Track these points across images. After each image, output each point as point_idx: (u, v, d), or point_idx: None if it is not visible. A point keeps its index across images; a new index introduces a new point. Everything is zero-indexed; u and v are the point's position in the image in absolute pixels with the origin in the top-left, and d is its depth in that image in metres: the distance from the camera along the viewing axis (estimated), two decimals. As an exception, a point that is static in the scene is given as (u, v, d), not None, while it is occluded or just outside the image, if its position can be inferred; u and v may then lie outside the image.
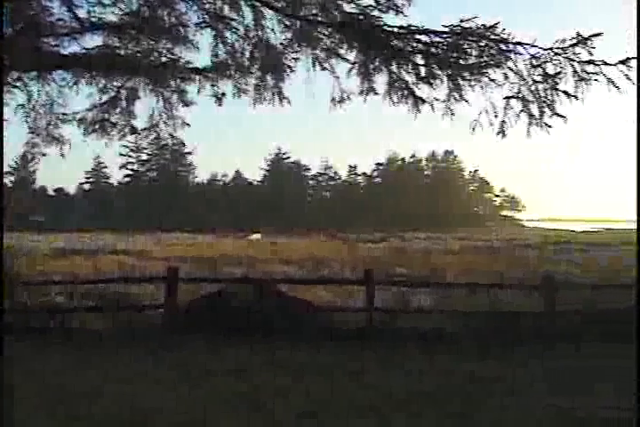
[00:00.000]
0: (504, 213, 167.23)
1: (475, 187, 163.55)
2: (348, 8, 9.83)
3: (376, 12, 9.68)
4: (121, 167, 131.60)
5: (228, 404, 7.96)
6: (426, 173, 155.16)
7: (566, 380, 9.64)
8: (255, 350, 11.31)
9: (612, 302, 14.91)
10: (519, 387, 9.20)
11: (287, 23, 10.09)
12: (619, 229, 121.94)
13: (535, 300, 14.79)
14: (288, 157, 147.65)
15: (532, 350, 11.98)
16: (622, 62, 8.99)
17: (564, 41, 9.18)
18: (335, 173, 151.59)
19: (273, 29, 10.20)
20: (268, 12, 10.04)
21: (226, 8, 10.04)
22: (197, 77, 11.07)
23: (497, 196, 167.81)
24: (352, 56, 10.00)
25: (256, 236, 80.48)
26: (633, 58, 8.93)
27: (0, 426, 6.82)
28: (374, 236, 76.21)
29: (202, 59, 11.03)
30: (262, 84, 10.68)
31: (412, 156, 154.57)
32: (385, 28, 9.73)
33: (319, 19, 9.96)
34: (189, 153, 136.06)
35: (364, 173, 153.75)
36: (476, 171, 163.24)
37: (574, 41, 9.15)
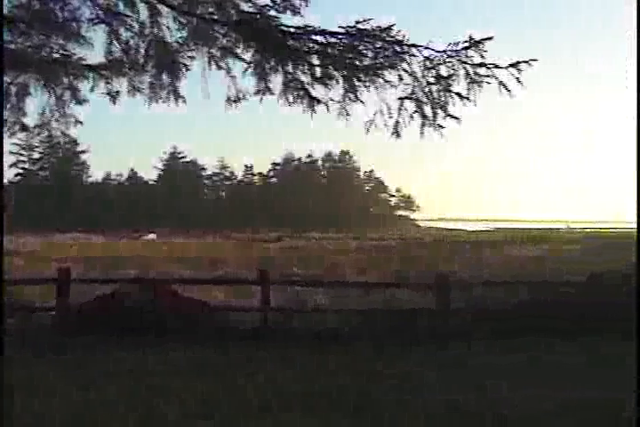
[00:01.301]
0: (399, 212, 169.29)
1: (370, 187, 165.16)
2: (244, 7, 9.79)
3: (273, 12, 9.66)
4: (11, 166, 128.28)
5: (120, 407, 7.81)
6: (322, 173, 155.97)
7: (458, 377, 9.81)
8: (149, 351, 11.14)
9: (502, 299, 15.27)
10: (414, 384, 9.31)
11: (183, 21, 9.97)
12: (509, 228, 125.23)
13: (429, 298, 15.00)
14: (184, 157, 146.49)
15: (426, 348, 12.16)
16: (512, 66, 9.20)
17: (456, 44, 9.32)
18: (231, 172, 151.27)
19: (168, 27, 10.07)
20: (164, 10, 9.91)
21: (120, 4, 9.87)
22: (91, 75, 10.83)
23: (392, 196, 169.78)
24: (248, 56, 9.95)
25: (151, 236, 79.69)
26: (528, 60, 9.18)
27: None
28: (270, 236, 76.32)
29: (95, 56, 10.82)
30: (157, 82, 10.52)
31: (309, 156, 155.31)
32: (281, 28, 9.72)
33: (215, 17, 9.88)
34: (83, 152, 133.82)
35: (260, 173, 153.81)
36: (371, 171, 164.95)
37: (467, 44, 9.31)
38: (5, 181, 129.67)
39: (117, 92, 10.88)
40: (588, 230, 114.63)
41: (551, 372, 10.10)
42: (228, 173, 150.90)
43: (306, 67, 9.79)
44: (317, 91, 9.85)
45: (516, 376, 9.75)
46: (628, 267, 21.93)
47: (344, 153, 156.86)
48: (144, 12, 9.95)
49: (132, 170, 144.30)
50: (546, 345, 12.05)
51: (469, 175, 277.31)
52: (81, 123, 11.66)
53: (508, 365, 10.61)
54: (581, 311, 14.27)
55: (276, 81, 9.92)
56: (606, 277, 17.04)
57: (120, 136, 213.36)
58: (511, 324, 13.65)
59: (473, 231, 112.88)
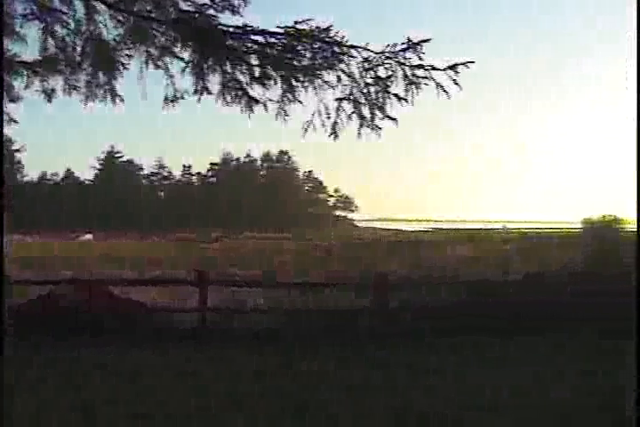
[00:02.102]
0: (338, 213, 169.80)
1: (309, 187, 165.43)
2: (183, 6, 9.72)
3: (212, 11, 9.62)
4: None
5: (57, 410, 7.71)
6: (261, 173, 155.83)
7: (397, 376, 9.88)
8: (84, 352, 11.04)
9: (441, 298, 15.43)
10: (354, 384, 9.36)
11: (120, 19, 9.87)
12: (447, 228, 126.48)
13: (368, 298, 15.08)
14: (121, 156, 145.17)
15: (365, 348, 12.21)
16: (450, 68, 9.28)
17: (395, 45, 9.36)
18: (169, 172, 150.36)
19: (105, 25, 9.95)
20: (101, 7, 9.78)
21: (56, 0, 9.74)
22: (25, 72, 10.67)
23: (331, 196, 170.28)
24: (186, 55, 9.89)
25: (88, 237, 78.83)
26: (465, 62, 9.27)
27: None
28: (208, 236, 75.95)
29: (30, 52, 10.64)
30: (94, 80, 10.39)
31: (247, 156, 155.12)
32: (220, 27, 9.68)
33: (153, 15, 9.80)
34: (18, 151, 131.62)
35: (199, 173, 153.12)
36: (310, 171, 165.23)
37: (405, 46, 9.36)
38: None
39: (53, 90, 10.72)
40: (525, 230, 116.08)
41: (490, 370, 10.23)
42: (166, 173, 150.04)
43: (244, 67, 9.76)
44: (256, 91, 9.82)
45: (456, 375, 9.86)
46: (569, 266, 22.34)
47: (283, 153, 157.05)
48: (80, 10, 9.82)
49: (69, 170, 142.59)
50: (484, 344, 12.20)
51: (407, 176, 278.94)
52: (15, 121, 11.46)
53: (447, 364, 10.72)
54: (519, 310, 14.49)
55: (215, 81, 9.87)
56: (547, 276, 17.35)
57: (56, 135, 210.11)
58: (450, 323, 13.80)
59: (411, 231, 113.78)
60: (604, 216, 46.67)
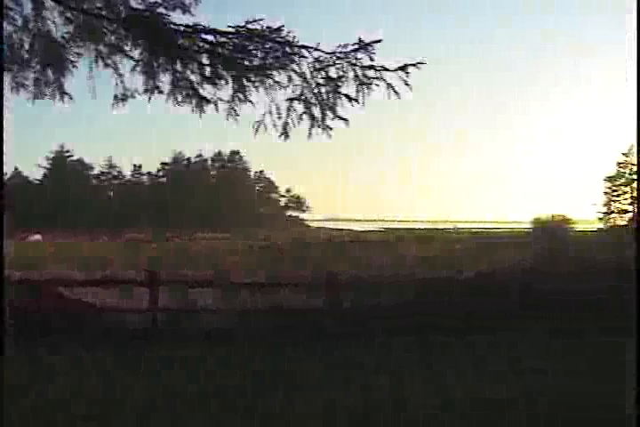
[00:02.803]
0: (289, 213, 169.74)
1: (260, 187, 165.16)
2: (133, 4, 9.65)
3: (162, 10, 9.57)
4: None
5: (7, 409, 7.62)
6: (212, 173, 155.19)
7: (347, 376, 9.91)
8: (34, 353, 10.91)
9: (393, 298, 15.50)
10: (303, 384, 9.38)
11: (69, 16, 9.77)
12: (398, 228, 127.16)
13: (319, 298, 15.11)
14: (71, 156, 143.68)
15: (316, 347, 12.23)
16: (401, 69, 9.33)
17: (346, 46, 9.40)
18: (119, 172, 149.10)
19: (54, 22, 9.85)
20: (50, 4, 9.68)
21: (3, -3, 9.61)
22: (-30, 69, 10.50)
23: (282, 196, 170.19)
24: (137, 53, 9.83)
25: (37, 237, 77.85)
26: (416, 63, 9.34)
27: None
28: (159, 236, 75.47)
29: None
30: (42, 78, 10.27)
31: (198, 156, 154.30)
32: (171, 26, 9.64)
33: (103, 13, 9.72)
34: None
35: (149, 173, 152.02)
36: (261, 171, 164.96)
37: (356, 46, 9.39)
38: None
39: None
40: (475, 230, 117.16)
41: (439, 369, 10.30)
42: (116, 173, 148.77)
43: (195, 66, 9.72)
44: (207, 90, 9.79)
45: (405, 375, 9.91)
46: (519, 265, 22.58)
47: (234, 153, 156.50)
48: (28, 6, 9.70)
49: (16, 169, 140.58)
50: (436, 344, 12.30)
51: (359, 176, 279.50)
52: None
53: (397, 363, 10.78)
54: (471, 309, 14.63)
55: (165, 80, 9.82)
56: (498, 275, 17.54)
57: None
58: (402, 322, 13.86)
59: (363, 231, 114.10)
60: (553, 216, 47.39)
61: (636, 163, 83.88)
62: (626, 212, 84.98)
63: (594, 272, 18.67)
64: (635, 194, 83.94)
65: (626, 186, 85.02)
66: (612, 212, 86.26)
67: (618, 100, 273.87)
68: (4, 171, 8.75)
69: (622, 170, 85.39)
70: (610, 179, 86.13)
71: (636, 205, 79.82)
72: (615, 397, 8.39)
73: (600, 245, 42.76)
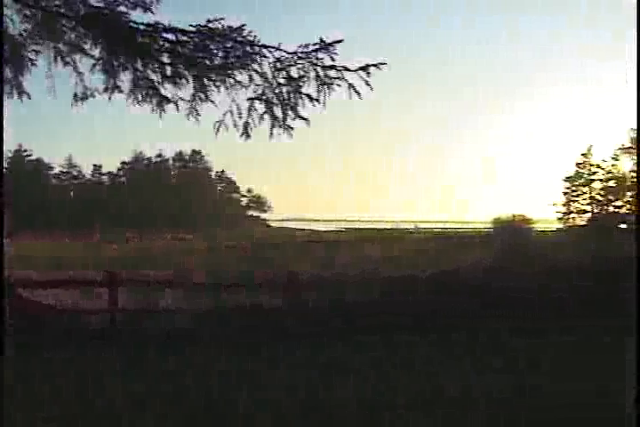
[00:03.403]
0: (251, 213, 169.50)
1: (222, 187, 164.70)
2: (93, 2, 9.56)
3: (123, 8, 9.50)
4: None
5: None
6: (173, 172, 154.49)
7: (308, 376, 9.90)
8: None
9: (354, 297, 15.52)
10: (264, 384, 9.36)
11: (27, 13, 9.66)
12: (360, 228, 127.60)
13: (281, 298, 15.09)
14: (29, 155, 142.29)
15: (277, 347, 12.22)
16: (362, 69, 9.35)
17: (307, 46, 9.39)
18: (79, 172, 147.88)
19: (12, 19, 9.73)
20: (7, 1, 9.56)
21: (-43, -7, 9.47)
22: None
23: (244, 196, 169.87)
24: (97, 52, 9.74)
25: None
26: (377, 63, 9.35)
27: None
28: (119, 236, 75.03)
29: None
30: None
31: (159, 155, 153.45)
32: (131, 24, 9.56)
33: (62, 11, 9.62)
34: None
35: (110, 173, 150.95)
36: (222, 171, 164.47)
37: (317, 46, 9.39)
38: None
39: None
40: (437, 230, 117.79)
41: (403, 368, 10.33)
42: (76, 173, 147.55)
43: (156, 65, 9.65)
44: (167, 90, 9.74)
45: (368, 374, 9.93)
46: (481, 264, 22.72)
47: (195, 153, 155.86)
48: (-17, 4, 9.58)
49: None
50: (399, 343, 12.34)
51: (321, 176, 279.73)
52: None
53: (359, 362, 10.79)
54: (433, 308, 14.69)
55: (126, 79, 9.75)
56: (459, 275, 17.64)
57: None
58: (365, 321, 13.89)
59: (325, 232, 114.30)
60: (513, 216, 47.75)
61: (596, 164, 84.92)
62: (585, 212, 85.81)
63: (554, 271, 18.84)
64: (593, 194, 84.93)
65: (584, 186, 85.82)
66: (572, 212, 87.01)
67: (578, 101, 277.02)
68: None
69: (581, 170, 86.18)
70: (569, 179, 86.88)
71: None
72: (577, 396, 8.48)
73: (560, 245, 43.23)
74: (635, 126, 79.17)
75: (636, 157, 57.02)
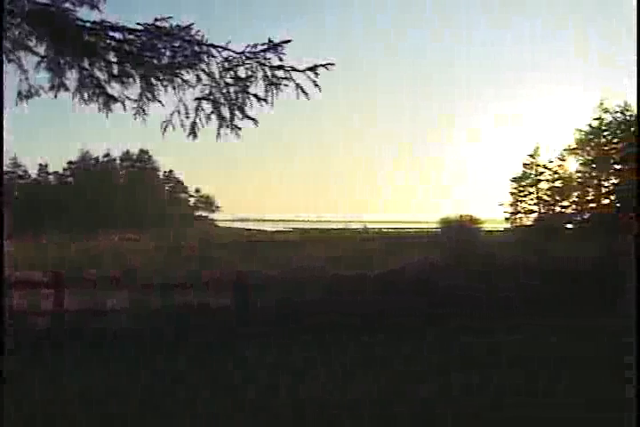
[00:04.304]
0: (199, 213, 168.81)
1: (170, 187, 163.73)
2: (38, -2, 9.47)
3: (69, 5, 9.40)
4: None
5: None
6: (120, 172, 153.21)
7: (257, 376, 9.90)
8: None
9: (302, 297, 15.55)
10: (208, 382, 9.35)
11: (-31, 9, 9.52)
12: (309, 228, 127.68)
13: (229, 298, 15.06)
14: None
15: (215, 347, 12.20)
16: (310, 69, 9.37)
17: (255, 46, 9.39)
18: (25, 171, 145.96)
19: (-48, 16, 9.58)
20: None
21: None
22: None
23: (192, 196, 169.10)
24: (42, 49, 9.63)
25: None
26: (325, 64, 9.37)
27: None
28: (66, 237, 74.18)
29: None
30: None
31: (106, 155, 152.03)
32: (78, 22, 9.47)
33: (7, 6, 9.49)
34: None
35: (56, 173, 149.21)
36: (170, 171, 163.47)
37: (265, 46, 9.40)
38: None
39: None
40: (385, 230, 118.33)
41: (347, 369, 10.35)
42: (21, 172, 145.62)
43: (102, 64, 9.58)
44: (114, 89, 9.66)
45: (311, 374, 9.95)
46: (428, 264, 22.87)
47: (143, 153, 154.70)
48: None
49: None
50: (344, 342, 12.37)
51: (269, 176, 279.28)
52: None
53: (304, 363, 10.81)
54: (381, 308, 14.77)
55: (72, 77, 9.65)
56: (407, 274, 17.75)
57: None
58: (311, 321, 13.91)
59: (273, 232, 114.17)
60: (461, 216, 48.21)
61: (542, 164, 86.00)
62: (532, 212, 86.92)
63: (501, 271, 19.06)
64: (540, 194, 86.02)
65: (531, 186, 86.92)
66: (519, 212, 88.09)
67: (525, 101, 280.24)
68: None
69: (528, 171, 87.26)
70: (516, 180, 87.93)
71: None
72: (522, 395, 8.59)
73: (506, 245, 43.73)
74: (582, 128, 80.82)
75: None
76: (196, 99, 9.52)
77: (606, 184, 77.52)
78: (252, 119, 9.59)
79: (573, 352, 11.56)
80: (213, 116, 9.53)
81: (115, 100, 9.65)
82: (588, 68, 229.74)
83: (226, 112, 9.55)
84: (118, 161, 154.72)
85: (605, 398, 8.43)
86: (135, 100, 9.59)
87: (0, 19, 8.76)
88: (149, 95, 9.56)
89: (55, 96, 9.73)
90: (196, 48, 9.49)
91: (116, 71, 9.56)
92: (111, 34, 9.50)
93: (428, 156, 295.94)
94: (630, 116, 74.56)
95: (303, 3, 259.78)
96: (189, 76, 9.56)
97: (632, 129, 73.12)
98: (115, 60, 9.57)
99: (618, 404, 7.93)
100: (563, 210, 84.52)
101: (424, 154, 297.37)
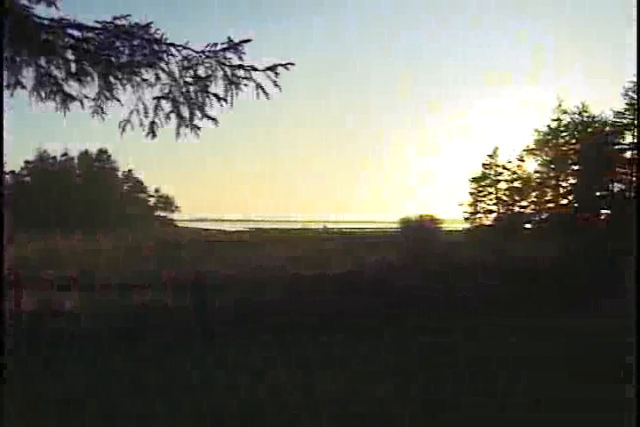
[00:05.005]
0: (158, 213, 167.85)
1: (129, 187, 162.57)
2: (-7, -6, 9.36)
3: (25, 2, 9.31)
4: None
5: None
6: (78, 172, 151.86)
7: (212, 376, 9.87)
8: None
9: (261, 297, 15.54)
10: (165, 383, 9.32)
11: None
12: (268, 228, 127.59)
13: (187, 298, 15.02)
14: None
15: (172, 347, 12.16)
16: (270, 69, 9.37)
17: (215, 45, 9.37)
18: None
19: None
20: None
21: None
22: None
23: (151, 196, 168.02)
24: (-3, 47, 9.52)
25: None
26: (285, 64, 9.37)
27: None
28: (24, 236, 73.41)
29: None
30: None
31: (64, 154, 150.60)
32: (34, 19, 9.38)
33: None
34: None
35: (13, 172, 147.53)
36: (130, 171, 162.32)
37: (225, 45, 9.37)
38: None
39: None
40: (345, 230, 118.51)
41: (305, 369, 10.36)
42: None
43: (60, 62, 9.50)
44: (72, 87, 9.58)
45: (269, 375, 9.94)
46: (388, 264, 22.96)
47: (102, 152, 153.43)
48: None
49: None
50: (303, 342, 12.38)
51: (228, 176, 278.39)
52: None
53: (263, 363, 10.80)
54: (340, 308, 14.80)
55: (29, 75, 9.56)
56: (367, 274, 17.82)
57: None
58: (270, 321, 13.90)
59: (232, 232, 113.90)
60: (420, 216, 48.40)
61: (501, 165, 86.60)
62: (491, 212, 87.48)
63: (460, 270, 19.20)
64: (499, 194, 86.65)
65: (490, 187, 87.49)
66: (478, 212, 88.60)
67: (486, 103, 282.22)
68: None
69: (487, 171, 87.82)
70: (475, 180, 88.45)
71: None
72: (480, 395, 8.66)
73: (466, 245, 44.03)
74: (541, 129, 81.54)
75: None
76: (155, 98, 9.48)
77: (564, 184, 78.22)
78: (212, 119, 9.57)
79: (532, 352, 11.67)
80: (173, 116, 9.49)
81: (72, 98, 9.56)
82: (547, 68, 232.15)
83: (185, 112, 9.52)
84: (76, 160, 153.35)
85: (564, 398, 8.52)
86: (93, 99, 9.52)
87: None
88: (108, 94, 9.49)
89: (11, 94, 9.63)
90: (155, 47, 9.44)
91: (73, 69, 9.47)
92: (69, 32, 9.41)
93: (390, 156, 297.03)
94: (588, 117, 75.44)
95: (265, 2, 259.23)
96: (148, 74, 9.51)
97: (589, 130, 74.00)
98: (73, 58, 9.48)
99: (576, 404, 8.03)
100: (521, 210, 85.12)
101: (386, 154, 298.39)
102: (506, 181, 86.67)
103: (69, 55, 9.49)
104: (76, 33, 9.43)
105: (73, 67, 9.48)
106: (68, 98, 9.54)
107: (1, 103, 8.92)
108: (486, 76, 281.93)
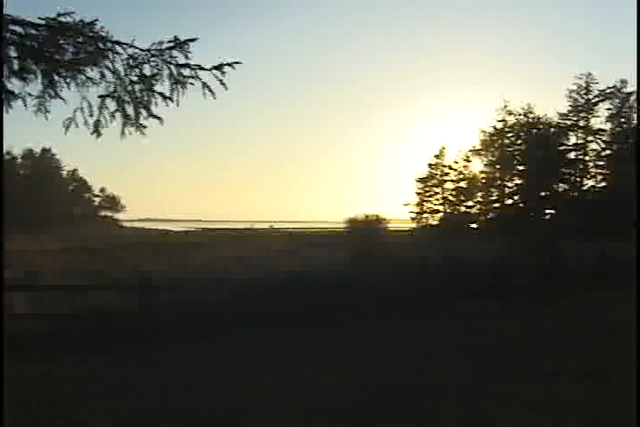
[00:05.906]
0: (103, 212, 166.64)
1: (73, 186, 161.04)
2: None
3: (-33, -2, 9.16)
4: None
5: None
6: (21, 171, 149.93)
7: (160, 377, 9.80)
8: None
9: (208, 298, 15.47)
10: (112, 385, 9.24)
11: None
12: (216, 228, 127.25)
13: (133, 299, 14.87)
14: None
15: (119, 349, 12.06)
16: (217, 68, 9.34)
17: (161, 43, 9.32)
18: None
19: None
20: None
21: None
22: None
23: (96, 196, 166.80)
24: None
25: None
26: (231, 63, 9.34)
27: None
28: (-35, 237, 72.30)
29: None
30: None
31: (7, 153, 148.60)
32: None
33: None
34: None
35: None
36: (74, 170, 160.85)
37: (172, 44, 9.32)
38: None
39: None
40: (291, 230, 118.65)
41: (255, 370, 10.33)
42: None
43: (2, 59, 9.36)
44: (14, 85, 9.44)
45: (219, 376, 9.89)
46: (334, 264, 23.01)
47: (45, 151, 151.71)
48: None
49: None
50: (251, 343, 12.36)
51: (174, 176, 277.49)
52: None
53: (211, 364, 10.75)
54: (287, 310, 14.82)
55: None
56: (313, 274, 17.87)
57: None
58: (217, 322, 13.83)
59: (180, 232, 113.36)
60: (367, 216, 48.59)
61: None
62: (437, 212, 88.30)
63: (405, 271, 19.32)
64: (445, 194, 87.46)
65: (437, 187, 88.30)
66: (425, 212, 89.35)
67: (432, 103, 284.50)
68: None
69: (434, 171, 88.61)
70: (421, 180, 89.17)
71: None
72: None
73: (411, 245, 44.31)
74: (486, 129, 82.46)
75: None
76: (100, 96, 9.40)
77: (510, 185, 79.28)
78: (158, 118, 9.52)
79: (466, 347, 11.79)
80: (118, 115, 9.42)
81: (15, 96, 9.43)
82: (492, 69, 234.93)
83: (131, 110, 9.46)
84: (20, 159, 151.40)
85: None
86: (37, 97, 9.40)
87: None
88: (51, 92, 9.38)
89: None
90: (100, 44, 9.36)
91: (16, 67, 9.34)
92: (12, 28, 9.28)
93: (338, 156, 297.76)
94: (533, 118, 76.50)
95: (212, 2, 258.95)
96: (93, 73, 9.43)
97: (534, 131, 75.01)
98: (15, 55, 9.35)
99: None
100: (467, 210, 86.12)
101: (335, 154, 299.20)
102: (452, 181, 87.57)
103: (12, 52, 9.36)
104: (19, 29, 9.29)
105: (16, 64, 9.34)
106: (10, 95, 9.40)
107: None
108: (432, 76, 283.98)
